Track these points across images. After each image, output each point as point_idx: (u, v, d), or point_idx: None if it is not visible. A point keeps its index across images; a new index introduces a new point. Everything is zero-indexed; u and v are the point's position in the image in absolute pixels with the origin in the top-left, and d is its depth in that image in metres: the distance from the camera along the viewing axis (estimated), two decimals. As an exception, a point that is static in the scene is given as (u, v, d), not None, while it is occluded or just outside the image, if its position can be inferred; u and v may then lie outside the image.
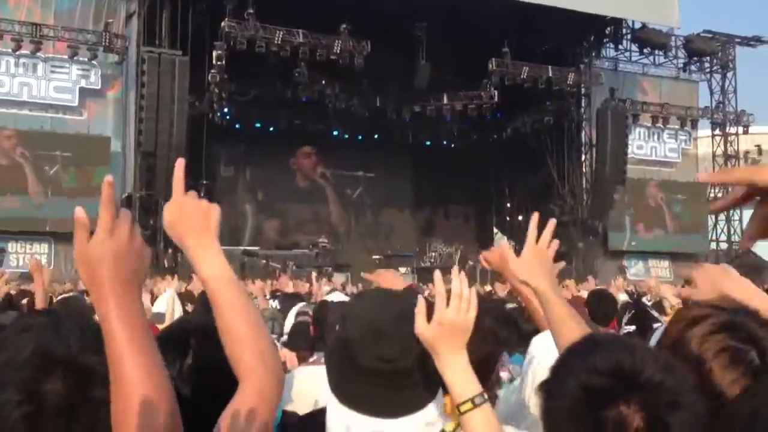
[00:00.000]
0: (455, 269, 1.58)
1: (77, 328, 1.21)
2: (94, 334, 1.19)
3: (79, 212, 1.18)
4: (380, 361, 1.44)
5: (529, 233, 1.86)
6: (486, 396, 1.43)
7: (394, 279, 2.78)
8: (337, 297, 3.55)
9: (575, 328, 1.64)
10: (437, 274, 1.56)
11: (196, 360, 1.58)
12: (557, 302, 1.74)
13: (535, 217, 1.88)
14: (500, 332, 1.77)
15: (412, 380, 1.46)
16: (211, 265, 1.39)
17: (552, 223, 1.91)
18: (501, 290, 9.05)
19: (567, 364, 1.17)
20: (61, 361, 1.17)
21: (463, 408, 1.41)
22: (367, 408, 1.45)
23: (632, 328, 4.43)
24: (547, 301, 1.74)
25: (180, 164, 1.49)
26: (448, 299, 1.49)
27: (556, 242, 1.87)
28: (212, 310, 1.39)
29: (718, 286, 1.70)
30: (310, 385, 2.77)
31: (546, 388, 1.18)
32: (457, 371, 1.44)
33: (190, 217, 1.41)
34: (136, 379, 1.11)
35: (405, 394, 1.45)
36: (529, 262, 1.81)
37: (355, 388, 1.48)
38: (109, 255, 1.16)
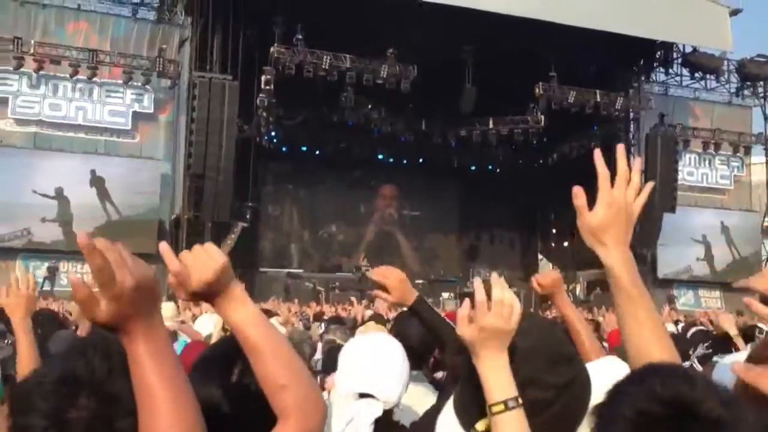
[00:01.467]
0: (494, 275, 1.55)
1: (104, 353, 1.21)
2: (124, 359, 1.18)
3: (77, 284, 1.16)
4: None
5: (600, 179, 1.53)
6: (520, 401, 1.40)
7: (402, 282, 2.66)
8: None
9: (652, 332, 1.43)
10: (477, 281, 1.52)
11: (239, 381, 1.58)
12: (632, 289, 1.45)
13: (621, 149, 1.57)
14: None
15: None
16: (236, 310, 1.36)
17: (621, 148, 1.61)
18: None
19: (624, 389, 1.13)
20: (87, 387, 1.18)
21: (495, 409, 1.39)
22: None
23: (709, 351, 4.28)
24: (618, 282, 1.46)
25: (164, 247, 1.42)
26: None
27: (646, 190, 1.53)
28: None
29: None
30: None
31: (600, 412, 1.14)
32: (495, 372, 1.42)
33: (199, 271, 1.36)
34: (167, 415, 1.12)
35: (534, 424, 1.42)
36: (603, 223, 1.49)
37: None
38: (122, 308, 1.14)
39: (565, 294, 2.75)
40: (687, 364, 4.06)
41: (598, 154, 1.56)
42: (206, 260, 1.36)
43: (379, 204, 29.05)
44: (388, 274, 2.60)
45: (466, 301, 1.50)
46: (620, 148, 1.59)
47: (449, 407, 1.55)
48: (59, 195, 21.66)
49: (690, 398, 1.05)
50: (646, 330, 1.44)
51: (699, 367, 3.83)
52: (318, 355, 4.59)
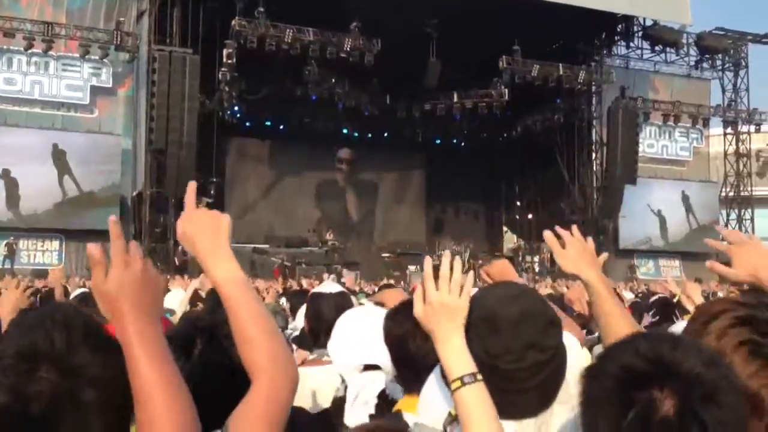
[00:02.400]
0: (446, 252, 1.62)
1: (63, 323, 1.20)
2: (86, 331, 1.19)
3: (93, 249, 1.26)
4: (485, 354, 1.47)
5: (564, 235, 1.87)
6: (479, 377, 1.43)
7: (398, 296, 2.80)
8: (331, 287, 3.46)
9: (623, 324, 1.69)
10: (427, 259, 1.61)
11: (201, 359, 1.60)
12: (606, 296, 1.76)
13: (559, 231, 1.90)
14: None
15: (514, 385, 1.47)
16: (223, 269, 1.42)
17: (575, 227, 1.93)
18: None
19: (612, 351, 1.19)
20: (47, 360, 1.16)
21: (453, 386, 1.44)
22: None
23: (655, 320, 4.41)
24: (596, 294, 1.77)
25: (192, 186, 1.55)
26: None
27: (590, 239, 1.90)
28: (222, 309, 1.42)
29: (756, 274, 1.71)
30: (310, 385, 2.79)
31: (588, 373, 1.20)
32: (450, 350, 1.47)
33: (202, 226, 1.45)
34: (164, 409, 1.17)
35: (505, 397, 1.45)
36: (575, 254, 1.82)
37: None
38: (127, 288, 1.23)
39: (516, 276, 2.81)
40: None
41: (558, 231, 1.89)
42: (216, 221, 1.47)
43: (341, 172, 29.01)
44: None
45: (419, 286, 1.55)
46: (574, 229, 1.91)
47: (436, 376, 1.58)
48: (5, 175, 21.14)
49: (671, 357, 1.10)
50: (620, 321, 1.73)
51: None
52: (290, 329, 4.61)
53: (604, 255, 1.97)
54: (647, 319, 4.49)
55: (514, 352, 1.46)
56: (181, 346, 1.59)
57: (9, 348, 1.18)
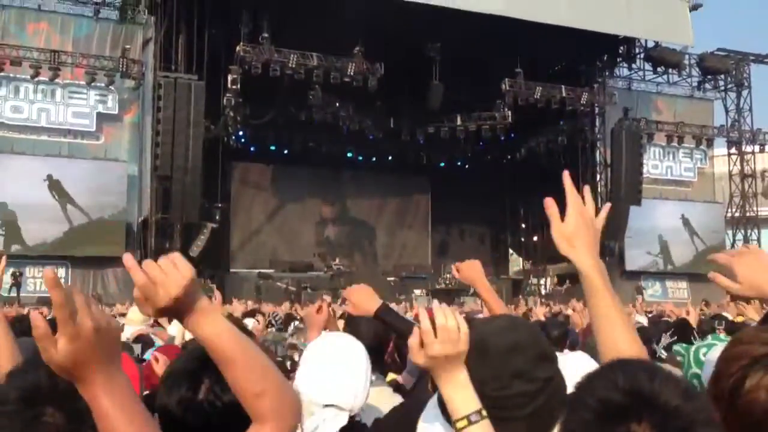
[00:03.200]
0: (435, 302, 1.62)
1: None
2: None
3: (37, 319, 1.11)
4: (474, 380, 1.47)
5: (569, 195, 1.62)
6: (484, 414, 1.43)
7: (366, 296, 2.70)
8: None
9: (622, 331, 1.52)
10: (422, 311, 1.59)
11: (208, 398, 1.56)
12: (602, 289, 1.54)
13: (567, 176, 1.67)
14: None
15: (501, 413, 1.45)
16: (205, 324, 1.30)
17: (587, 188, 1.71)
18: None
19: (590, 381, 1.18)
20: (51, 402, 1.14)
21: (459, 425, 1.42)
22: None
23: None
24: (591, 287, 1.55)
25: (127, 259, 1.37)
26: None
27: (605, 210, 1.67)
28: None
29: (760, 288, 1.64)
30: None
31: (568, 402, 1.19)
32: (454, 388, 1.45)
33: (167, 286, 1.30)
34: None
35: (492, 424, 1.44)
36: (574, 230, 1.58)
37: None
38: (82, 356, 1.11)
39: (485, 281, 2.85)
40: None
41: (566, 175, 1.67)
42: (174, 274, 1.29)
43: (349, 202, 29.05)
44: (351, 294, 2.68)
45: (415, 330, 1.53)
46: (565, 175, 1.69)
47: (433, 405, 1.56)
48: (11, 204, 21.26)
49: (648, 389, 1.09)
50: (618, 327, 1.52)
51: (664, 354, 3.94)
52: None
53: (607, 206, 1.71)
54: (666, 339, 4.46)
55: (501, 380, 1.46)
56: (187, 382, 1.56)
57: (12, 391, 1.16)
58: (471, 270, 2.81)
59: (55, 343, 1.10)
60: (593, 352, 1.82)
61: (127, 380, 1.17)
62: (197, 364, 1.53)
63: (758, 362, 1.24)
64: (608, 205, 1.69)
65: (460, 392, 1.45)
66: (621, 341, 1.51)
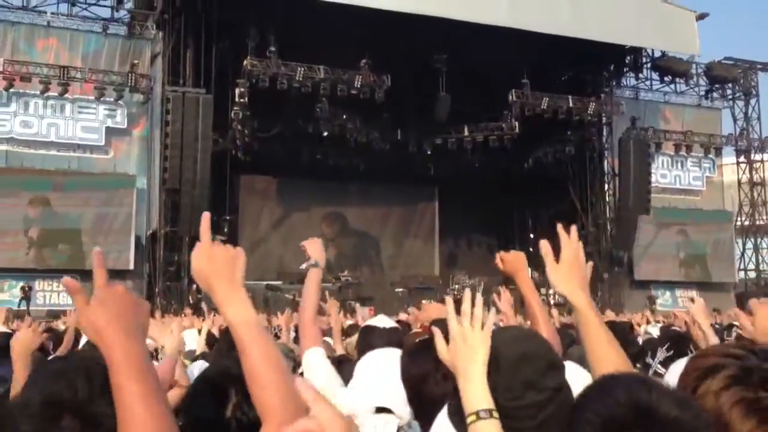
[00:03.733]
0: (467, 291, 1.63)
1: (86, 373, 1.23)
2: (106, 381, 1.21)
3: (68, 282, 1.26)
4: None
5: (564, 242, 1.81)
6: (495, 414, 1.44)
7: (440, 310, 2.76)
8: (384, 322, 3.46)
9: (611, 353, 1.64)
10: (447, 298, 1.65)
11: (235, 414, 1.58)
12: (595, 322, 1.70)
13: (560, 228, 1.86)
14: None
15: (515, 423, 1.47)
16: (238, 311, 1.41)
17: (574, 228, 1.90)
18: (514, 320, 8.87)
19: (590, 397, 1.21)
20: (69, 409, 1.19)
21: (469, 419, 1.45)
22: None
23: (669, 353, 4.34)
24: (585, 319, 1.71)
25: (206, 217, 1.55)
26: None
27: (580, 246, 1.84)
28: (235, 351, 1.41)
29: None
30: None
31: (568, 420, 1.22)
32: (470, 384, 1.48)
33: (217, 264, 1.44)
34: (142, 419, 1.13)
35: None
36: (568, 273, 1.76)
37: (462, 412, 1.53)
38: (112, 313, 1.22)
39: (527, 275, 2.79)
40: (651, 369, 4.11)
41: (560, 227, 1.89)
42: (231, 259, 1.47)
43: (356, 213, 29.07)
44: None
45: (436, 328, 1.58)
46: (559, 228, 1.92)
47: (443, 416, 1.58)
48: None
49: (647, 401, 1.13)
50: (611, 354, 1.67)
51: (662, 370, 3.89)
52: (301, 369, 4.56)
53: (589, 264, 1.88)
54: (662, 353, 4.42)
55: (513, 390, 1.48)
56: (213, 397, 1.57)
57: (35, 396, 1.22)
58: (515, 261, 2.76)
59: (87, 299, 1.24)
60: (580, 362, 1.88)
61: (149, 359, 1.24)
62: (225, 380, 1.56)
63: (710, 371, 1.31)
64: (574, 227, 1.90)
65: (476, 388, 1.48)
66: (613, 365, 1.60)
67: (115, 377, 1.17)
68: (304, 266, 2.84)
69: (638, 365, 4.42)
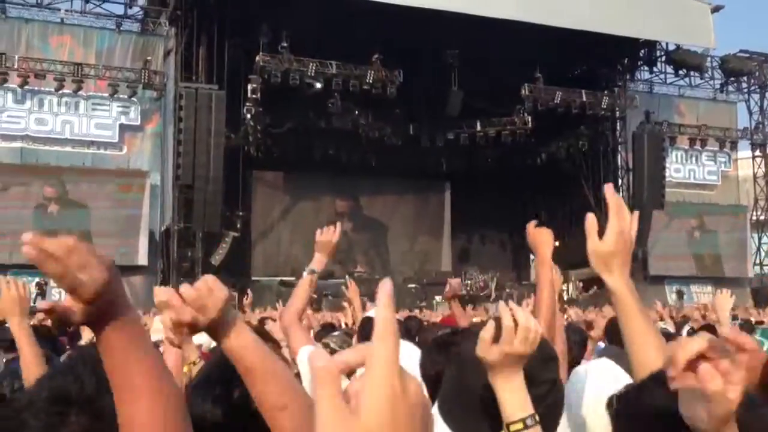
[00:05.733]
0: (512, 303, 1.59)
1: (93, 369, 1.20)
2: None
3: (44, 308, 1.13)
4: (482, 387, 1.46)
5: (613, 213, 1.60)
6: (537, 419, 1.42)
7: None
8: None
9: (652, 343, 1.51)
10: (502, 305, 1.55)
11: (241, 402, 1.57)
12: (635, 308, 1.55)
13: (610, 188, 1.64)
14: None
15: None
16: (231, 336, 1.35)
17: (636, 214, 1.67)
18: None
19: (646, 389, 1.19)
20: (76, 404, 1.17)
21: (513, 428, 1.41)
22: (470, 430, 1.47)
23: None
24: (624, 305, 1.55)
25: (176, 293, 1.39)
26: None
27: (635, 221, 1.64)
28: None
29: None
30: None
31: (619, 410, 1.20)
32: (512, 390, 1.44)
33: (205, 309, 1.35)
34: (142, 385, 1.09)
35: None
36: (611, 251, 1.57)
37: (460, 410, 1.50)
38: (97, 306, 1.09)
39: (547, 253, 2.70)
40: None
41: (609, 188, 1.64)
42: (210, 297, 1.33)
43: (368, 209, 29.08)
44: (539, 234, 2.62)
45: (490, 323, 1.51)
46: (609, 187, 1.67)
47: (434, 413, 1.55)
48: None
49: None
50: (651, 346, 1.51)
51: None
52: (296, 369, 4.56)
53: (636, 215, 1.66)
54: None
55: None
56: (220, 387, 1.57)
57: (42, 391, 1.21)
58: (541, 236, 2.68)
59: (74, 313, 1.08)
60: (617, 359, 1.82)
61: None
62: (228, 369, 1.55)
63: None
64: (636, 213, 1.65)
65: (518, 394, 1.44)
66: (655, 360, 1.49)
67: (109, 355, 1.11)
68: (305, 272, 2.86)
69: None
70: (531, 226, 2.66)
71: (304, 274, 2.88)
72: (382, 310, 0.74)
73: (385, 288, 0.74)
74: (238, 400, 1.56)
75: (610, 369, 1.99)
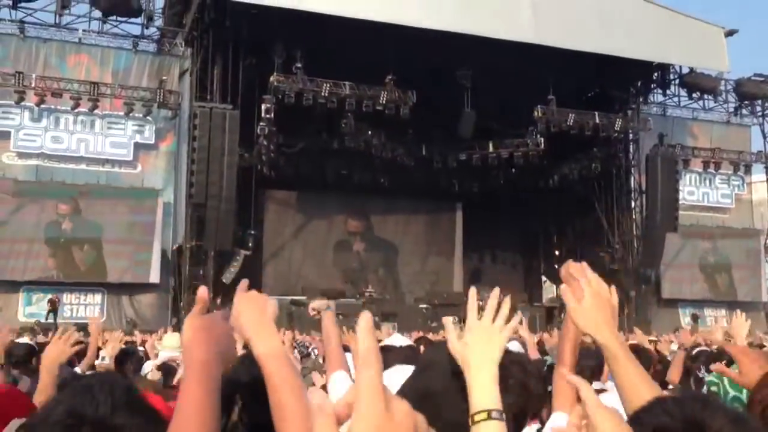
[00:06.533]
0: (496, 289, 1.59)
1: (108, 389, 1.27)
2: (128, 398, 1.27)
3: (202, 291, 1.44)
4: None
5: (582, 279, 1.71)
6: (504, 416, 1.39)
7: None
8: (399, 340, 3.43)
9: (646, 390, 1.55)
10: (471, 290, 1.64)
11: (242, 419, 1.60)
12: (626, 360, 1.61)
13: (578, 266, 1.76)
14: (535, 386, 1.68)
15: None
16: (267, 344, 1.48)
17: (584, 265, 1.78)
18: (548, 341, 8.80)
19: (642, 415, 1.20)
20: (90, 423, 1.22)
21: (477, 417, 1.39)
22: None
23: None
24: (614, 357, 1.62)
25: (244, 283, 1.65)
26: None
27: (614, 289, 1.74)
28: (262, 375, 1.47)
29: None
30: None
31: None
32: (481, 381, 1.43)
33: (249, 304, 1.55)
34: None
35: None
36: (593, 310, 1.66)
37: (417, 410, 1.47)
38: (204, 332, 1.35)
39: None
40: None
41: (578, 265, 1.77)
42: (263, 302, 1.57)
43: (380, 229, 29.08)
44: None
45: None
46: (576, 265, 1.79)
47: None
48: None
49: (701, 416, 1.12)
50: (643, 391, 1.56)
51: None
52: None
53: (614, 292, 1.75)
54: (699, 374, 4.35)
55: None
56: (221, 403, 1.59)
57: (59, 408, 1.26)
58: (574, 271, 2.62)
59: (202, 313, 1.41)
60: None
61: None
62: (230, 385, 1.58)
63: None
64: (613, 288, 1.74)
65: (486, 384, 1.43)
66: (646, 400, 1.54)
67: (183, 381, 1.29)
68: (313, 311, 3.06)
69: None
70: (565, 267, 2.62)
71: (312, 311, 3.05)
72: (364, 340, 0.84)
73: (365, 319, 0.85)
74: (238, 417, 1.61)
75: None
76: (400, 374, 2.28)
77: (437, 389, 1.48)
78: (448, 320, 1.56)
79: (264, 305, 1.56)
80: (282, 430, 1.38)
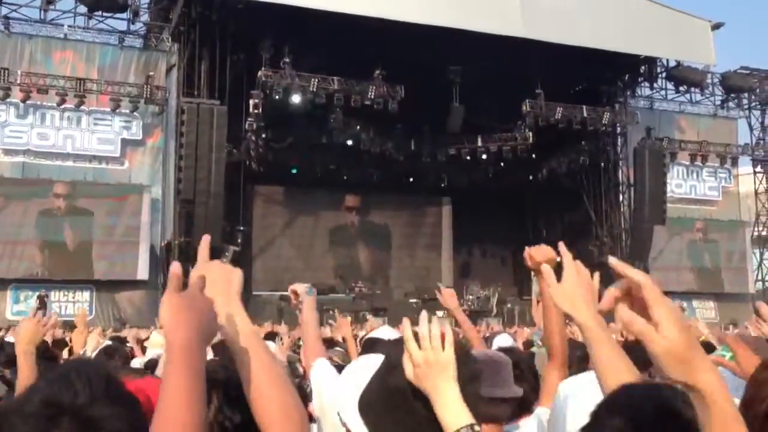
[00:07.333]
0: (423, 314, 1.59)
1: (86, 378, 1.22)
2: (107, 386, 1.21)
3: (175, 266, 1.36)
4: (412, 391, 1.45)
5: (565, 258, 1.72)
6: (477, 429, 1.41)
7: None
8: (388, 333, 3.41)
9: (624, 371, 1.54)
10: (405, 320, 1.60)
11: (216, 416, 1.57)
12: (604, 340, 1.59)
13: (562, 245, 1.79)
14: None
15: None
16: (233, 322, 1.44)
17: (562, 245, 1.82)
18: (523, 335, 8.84)
19: (609, 405, 1.21)
20: (68, 412, 1.17)
21: None
22: None
23: None
24: (592, 338, 1.59)
25: (205, 239, 1.63)
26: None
27: (579, 263, 1.73)
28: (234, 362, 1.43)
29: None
30: None
31: (592, 422, 1.21)
32: (446, 404, 1.44)
33: (213, 280, 1.46)
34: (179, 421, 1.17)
35: None
36: (572, 290, 1.65)
37: (382, 410, 1.48)
38: (183, 309, 1.28)
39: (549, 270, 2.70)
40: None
41: (561, 245, 1.81)
42: (228, 275, 1.52)
43: (358, 217, 29.08)
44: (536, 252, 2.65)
45: (425, 316, 1.55)
46: (561, 245, 1.85)
47: (353, 411, 1.53)
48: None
49: (671, 405, 1.15)
50: (622, 373, 1.55)
51: None
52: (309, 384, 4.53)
53: (596, 277, 1.75)
54: None
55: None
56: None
57: (35, 397, 1.20)
58: (540, 254, 2.67)
59: (178, 290, 1.33)
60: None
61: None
62: (207, 384, 1.55)
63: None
64: (596, 274, 1.75)
65: (451, 406, 1.43)
66: (625, 376, 1.55)
67: (166, 366, 1.23)
68: (293, 295, 2.93)
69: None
70: (528, 253, 2.67)
71: (305, 291, 2.87)
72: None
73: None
74: (213, 415, 1.57)
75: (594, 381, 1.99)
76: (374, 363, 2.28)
77: (405, 386, 1.48)
78: (423, 317, 1.54)
79: (229, 277, 1.50)
80: (257, 407, 1.36)
